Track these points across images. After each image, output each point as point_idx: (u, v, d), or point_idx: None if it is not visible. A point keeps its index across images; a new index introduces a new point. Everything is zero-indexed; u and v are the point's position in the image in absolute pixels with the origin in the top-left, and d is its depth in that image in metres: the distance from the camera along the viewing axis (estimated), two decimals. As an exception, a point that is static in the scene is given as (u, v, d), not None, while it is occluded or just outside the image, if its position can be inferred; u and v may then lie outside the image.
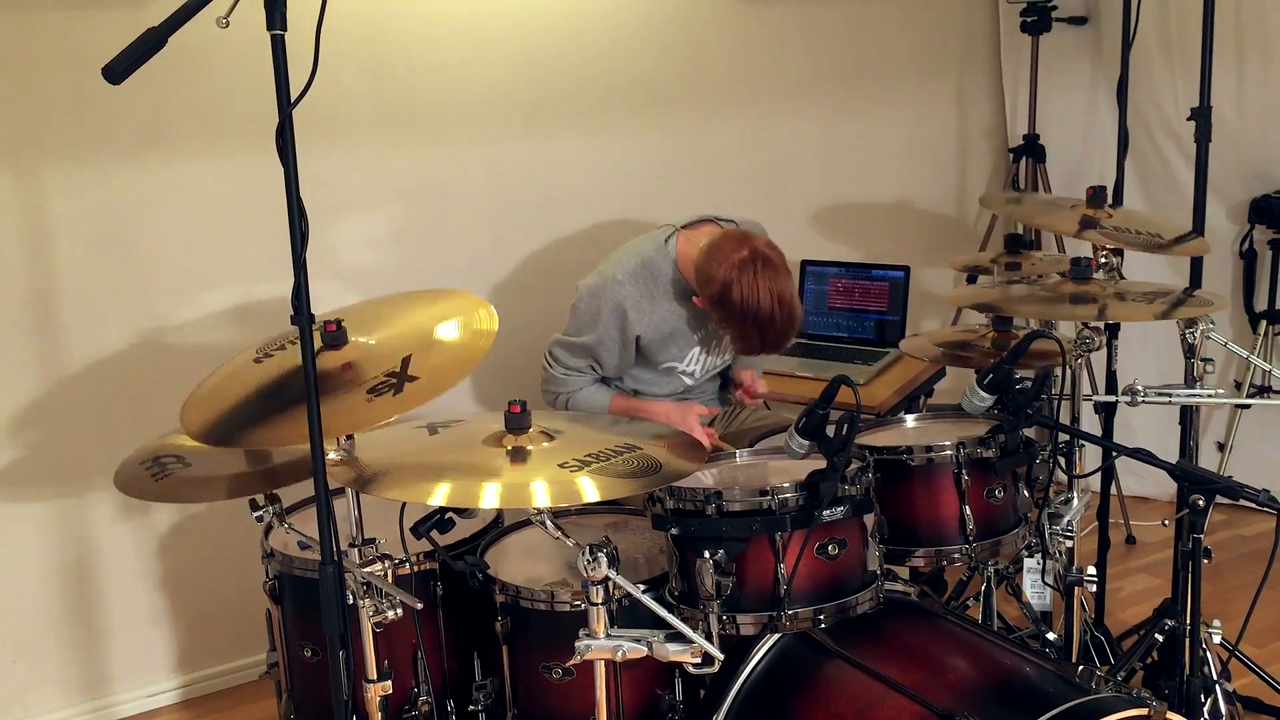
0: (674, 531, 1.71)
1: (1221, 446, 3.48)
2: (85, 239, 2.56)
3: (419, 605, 1.62)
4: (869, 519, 1.72)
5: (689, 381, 2.51)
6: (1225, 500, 3.65)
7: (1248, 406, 3.39)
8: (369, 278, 2.83)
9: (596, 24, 3.07)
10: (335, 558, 1.45)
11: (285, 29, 1.30)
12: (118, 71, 1.15)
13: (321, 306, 2.74)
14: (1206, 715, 2.12)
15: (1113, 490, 3.57)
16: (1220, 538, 3.47)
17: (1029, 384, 1.83)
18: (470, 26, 2.90)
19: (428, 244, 2.95)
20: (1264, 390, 3.35)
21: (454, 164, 2.95)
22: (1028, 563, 2.39)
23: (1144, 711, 1.56)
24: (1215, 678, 2.20)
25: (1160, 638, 2.24)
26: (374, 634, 1.78)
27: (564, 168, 3.10)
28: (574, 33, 3.04)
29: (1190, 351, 2.09)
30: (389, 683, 1.83)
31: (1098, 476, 2.75)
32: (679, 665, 1.87)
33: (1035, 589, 2.40)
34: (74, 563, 2.67)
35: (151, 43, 1.17)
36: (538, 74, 3.01)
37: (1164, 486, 3.68)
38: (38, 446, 2.59)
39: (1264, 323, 3.32)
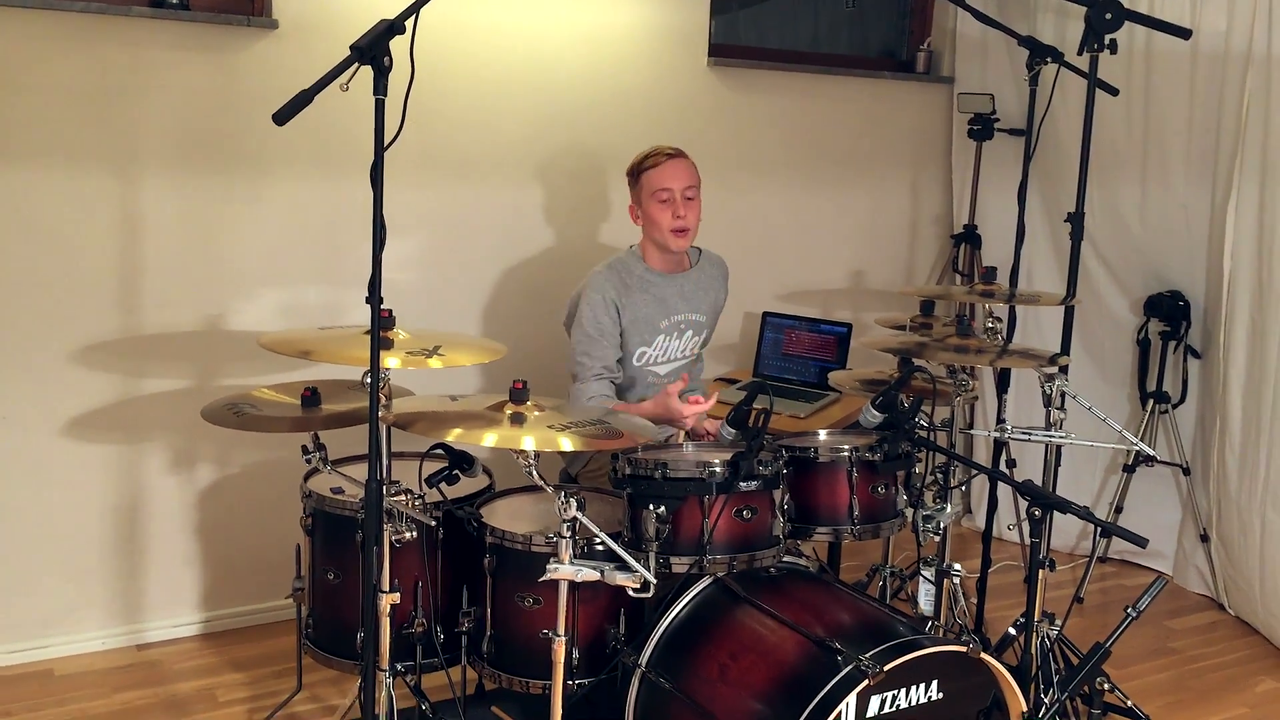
0: (629, 491, 2.24)
1: (1117, 509, 4.00)
2: (168, 236, 3.07)
3: (432, 522, 2.15)
4: (777, 495, 2.26)
5: (657, 380, 3.05)
6: (1116, 555, 4.21)
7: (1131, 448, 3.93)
8: (395, 292, 3.34)
9: (602, 99, 3.62)
10: (379, 476, 1.97)
11: (385, 94, 1.86)
12: (283, 118, 1.69)
13: (353, 312, 3.31)
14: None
15: (1016, 538, 4.14)
16: (1107, 584, 4.00)
17: (911, 407, 2.39)
18: (497, 91, 3.45)
19: (447, 268, 3.47)
20: (1150, 460, 3.88)
21: (475, 203, 3.48)
22: (923, 571, 2.92)
23: (964, 649, 2.09)
24: (1055, 669, 2.73)
25: (1013, 631, 2.77)
26: (390, 553, 2.30)
27: (564, 215, 3.65)
28: (581, 104, 3.59)
29: (1048, 401, 2.64)
30: (398, 595, 2.35)
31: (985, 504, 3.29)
32: (624, 607, 2.40)
33: (927, 596, 2.94)
34: (126, 505, 3.15)
35: (304, 100, 1.71)
36: (549, 134, 3.55)
37: (1064, 537, 4.22)
38: (110, 404, 3.08)
39: (1151, 401, 3.87)
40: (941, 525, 2.58)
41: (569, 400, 2.96)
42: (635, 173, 2.98)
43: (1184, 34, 2.92)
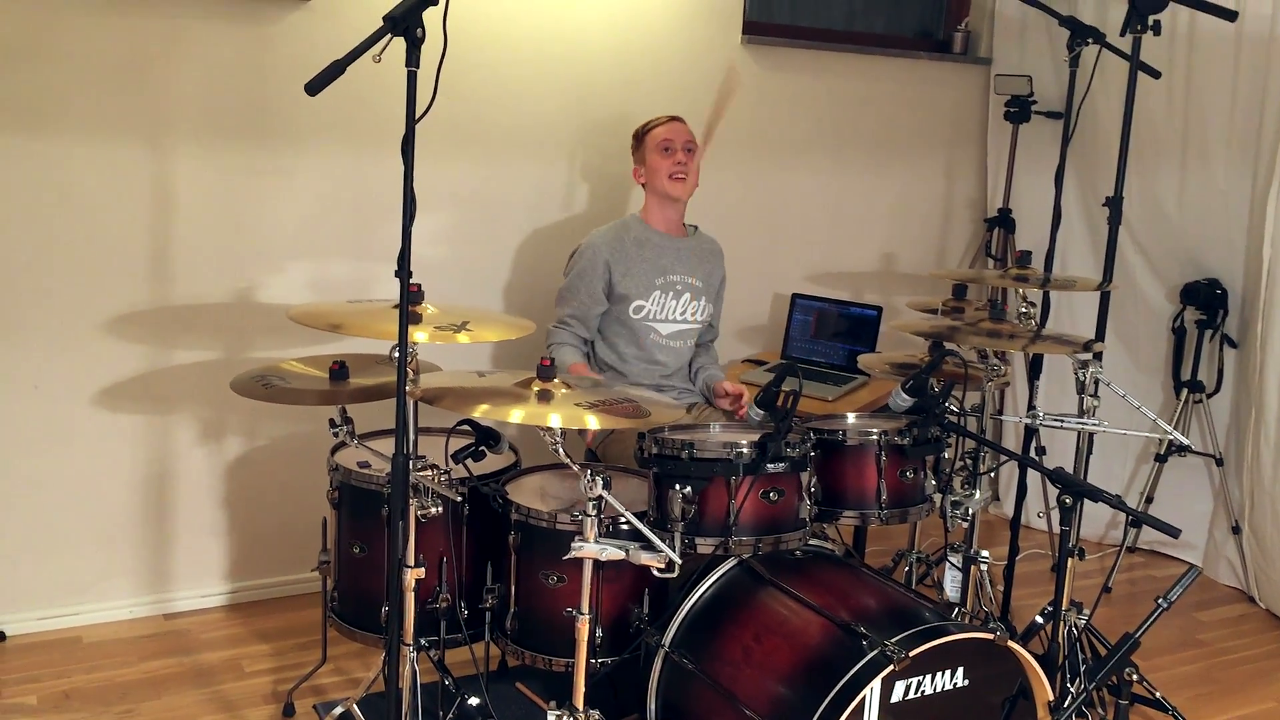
0: (655, 470, 2.23)
1: (1148, 499, 3.95)
2: (200, 208, 3.08)
3: (458, 498, 2.14)
4: (804, 477, 2.24)
5: (659, 339, 3.10)
6: (1145, 546, 4.16)
7: (1173, 442, 3.88)
8: (424, 266, 3.33)
9: (635, 75, 3.60)
10: (406, 451, 1.97)
11: (418, 67, 1.84)
12: (315, 88, 1.68)
13: (382, 286, 3.31)
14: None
15: (1044, 526, 4.10)
16: (1135, 575, 3.96)
17: (943, 390, 2.36)
18: (529, 67, 3.43)
19: (476, 243, 3.46)
20: (1183, 449, 3.84)
21: (505, 178, 3.46)
22: (950, 557, 2.90)
23: (990, 636, 2.07)
24: (1082, 658, 2.70)
25: (1040, 619, 2.74)
26: (416, 528, 2.30)
27: (595, 192, 3.63)
28: (614, 80, 3.57)
29: (1081, 388, 2.61)
30: (423, 570, 2.34)
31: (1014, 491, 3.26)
32: (648, 586, 2.39)
33: (953, 582, 2.91)
34: (155, 475, 3.17)
35: (337, 70, 1.70)
36: (581, 110, 3.53)
37: (1093, 526, 4.18)
38: (140, 374, 3.09)
39: (1185, 390, 3.82)
40: (970, 511, 2.55)
41: (547, 340, 3.16)
42: (640, 135, 3.19)
43: (1230, 16, 2.86)
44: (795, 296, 3.82)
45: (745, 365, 3.75)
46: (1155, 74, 3.08)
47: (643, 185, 3.20)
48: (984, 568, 2.67)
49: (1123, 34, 2.79)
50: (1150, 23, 2.73)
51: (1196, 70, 3.64)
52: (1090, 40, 3.00)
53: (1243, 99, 3.54)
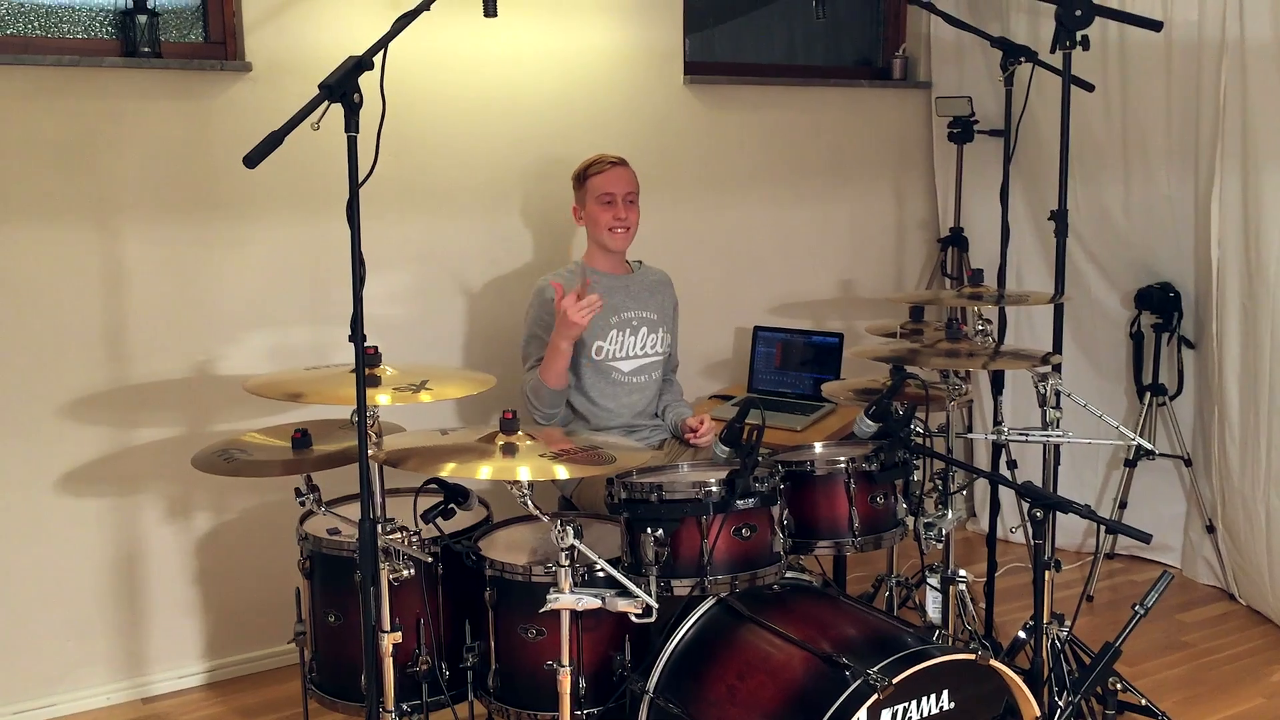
0: (626, 515, 2.22)
1: (1121, 504, 3.97)
2: (152, 285, 3.06)
3: (429, 559, 2.12)
4: (775, 511, 2.24)
5: (622, 377, 3.11)
6: (1124, 551, 4.18)
7: (1137, 449, 3.91)
8: (382, 327, 3.33)
9: (579, 122, 3.62)
10: (373, 515, 1.95)
11: (358, 132, 1.85)
12: (253, 160, 1.68)
13: (342, 350, 3.30)
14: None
15: (1021, 539, 4.11)
16: (1116, 582, 3.97)
17: (905, 414, 2.37)
18: (476, 119, 3.44)
19: (433, 299, 3.46)
20: (1148, 453, 3.87)
21: (457, 231, 3.47)
22: (929, 579, 2.90)
23: (972, 656, 2.07)
24: (1068, 671, 2.70)
25: (1023, 635, 2.73)
26: (389, 592, 2.27)
27: (547, 239, 3.64)
28: (559, 128, 3.58)
29: (1042, 400, 2.63)
30: (399, 634, 2.32)
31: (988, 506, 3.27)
32: (628, 633, 2.37)
33: (934, 604, 2.91)
34: (124, 557, 3.12)
35: (274, 141, 1.70)
36: (528, 159, 3.54)
37: (1070, 536, 4.20)
38: (102, 457, 3.06)
39: (1149, 394, 3.86)
40: (943, 532, 2.55)
41: (525, 406, 3.01)
42: (581, 177, 3.17)
43: (1155, 26, 2.92)
44: (757, 329, 3.84)
45: (712, 401, 3.76)
46: (1089, 87, 3.13)
47: (582, 225, 3.21)
48: (963, 586, 2.68)
49: (1053, 50, 2.85)
50: (1079, 38, 2.79)
51: (1130, 80, 3.71)
52: (1022, 59, 3.05)
53: (1178, 104, 3.61)
